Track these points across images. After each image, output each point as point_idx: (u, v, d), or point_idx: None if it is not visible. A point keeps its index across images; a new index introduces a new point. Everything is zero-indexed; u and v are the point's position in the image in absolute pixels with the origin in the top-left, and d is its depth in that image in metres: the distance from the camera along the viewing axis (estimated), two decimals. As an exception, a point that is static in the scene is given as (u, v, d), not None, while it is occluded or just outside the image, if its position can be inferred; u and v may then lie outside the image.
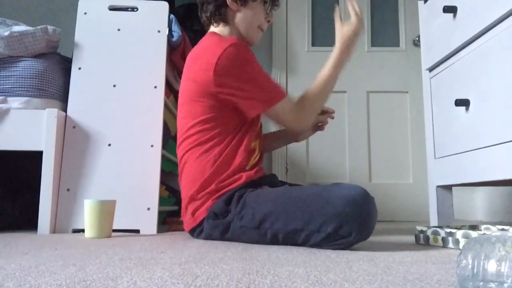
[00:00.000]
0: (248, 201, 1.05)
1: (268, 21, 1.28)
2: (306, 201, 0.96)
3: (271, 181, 1.21)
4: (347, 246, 0.93)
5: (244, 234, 1.04)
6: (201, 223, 1.12)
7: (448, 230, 0.98)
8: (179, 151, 1.21)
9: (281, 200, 1.00)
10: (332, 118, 1.43)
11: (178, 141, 1.22)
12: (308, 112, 1.19)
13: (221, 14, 1.21)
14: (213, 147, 1.14)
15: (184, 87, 1.20)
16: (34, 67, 1.39)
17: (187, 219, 1.17)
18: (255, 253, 0.83)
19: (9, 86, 1.37)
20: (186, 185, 1.17)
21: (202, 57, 1.14)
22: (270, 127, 2.38)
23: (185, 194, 1.18)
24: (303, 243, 0.97)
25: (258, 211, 1.01)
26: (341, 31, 1.19)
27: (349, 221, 0.90)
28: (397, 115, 2.41)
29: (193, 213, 1.14)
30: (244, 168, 1.15)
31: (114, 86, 1.45)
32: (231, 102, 1.13)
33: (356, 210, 0.90)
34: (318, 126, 1.43)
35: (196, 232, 1.14)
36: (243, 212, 1.04)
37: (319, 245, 0.94)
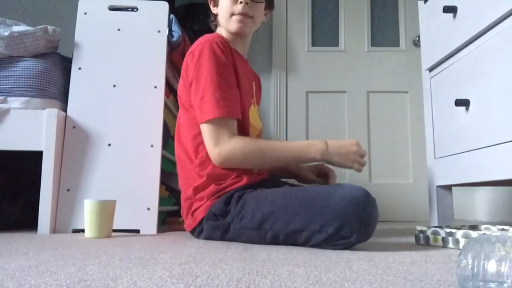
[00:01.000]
0: (248, 202, 1.05)
1: (240, 3, 1.19)
2: (307, 202, 0.96)
3: (271, 181, 1.21)
4: (348, 247, 0.92)
5: (244, 234, 1.04)
6: (200, 222, 1.12)
7: (448, 230, 0.98)
8: (177, 150, 1.21)
9: (282, 201, 1.00)
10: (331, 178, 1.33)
11: (176, 140, 1.22)
12: (231, 158, 1.09)
13: (214, 20, 1.32)
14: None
15: (180, 87, 1.22)
16: (34, 67, 1.39)
17: (187, 220, 1.17)
18: (255, 253, 0.83)
19: (9, 86, 1.37)
20: (185, 185, 1.18)
21: (185, 59, 1.21)
22: (270, 133, 2.38)
23: (183, 193, 1.18)
24: (303, 244, 0.97)
25: (258, 211, 1.01)
26: (339, 143, 1.11)
27: (350, 221, 0.90)
28: (397, 115, 2.41)
29: (192, 213, 1.14)
30: (247, 173, 1.15)
31: (114, 86, 1.45)
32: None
33: (357, 211, 0.90)
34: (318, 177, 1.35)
35: (196, 232, 1.14)
36: (243, 213, 1.04)
37: (320, 245, 0.94)
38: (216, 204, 1.09)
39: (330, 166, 1.24)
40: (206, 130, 1.10)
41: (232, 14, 1.21)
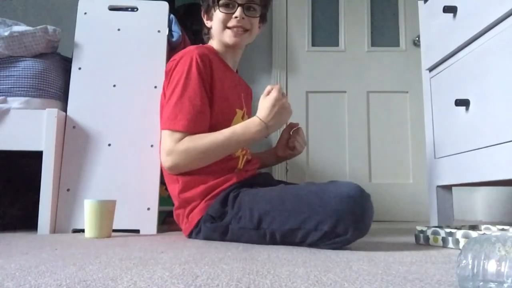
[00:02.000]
0: (244, 202, 1.05)
1: (236, 17, 1.22)
2: (302, 200, 0.96)
3: (265, 180, 1.21)
4: (345, 244, 0.93)
5: (243, 235, 1.04)
6: (197, 224, 1.12)
7: (448, 230, 0.98)
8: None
9: (277, 200, 1.00)
10: (296, 128, 1.38)
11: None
12: (180, 163, 1.12)
13: (207, 33, 1.35)
14: None
15: (162, 94, 1.30)
16: (34, 67, 1.39)
17: (184, 224, 1.17)
18: (255, 253, 0.83)
19: (9, 86, 1.37)
20: (170, 184, 1.20)
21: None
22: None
23: (172, 194, 1.20)
24: (300, 243, 0.97)
25: (256, 211, 1.02)
26: (262, 104, 1.14)
27: (345, 218, 0.90)
28: (397, 115, 2.41)
29: (187, 216, 1.15)
30: (231, 171, 1.17)
31: (114, 86, 1.45)
32: None
33: (351, 208, 0.90)
34: (290, 146, 1.37)
35: (194, 233, 1.14)
36: (240, 213, 1.04)
37: (316, 244, 0.94)
38: (212, 206, 1.10)
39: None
40: (162, 138, 1.16)
41: (226, 27, 1.24)
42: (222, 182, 1.13)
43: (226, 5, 1.23)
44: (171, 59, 1.23)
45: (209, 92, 1.18)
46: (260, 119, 1.12)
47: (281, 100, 1.13)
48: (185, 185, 1.15)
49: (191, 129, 1.12)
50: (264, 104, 1.12)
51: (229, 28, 1.24)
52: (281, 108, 1.12)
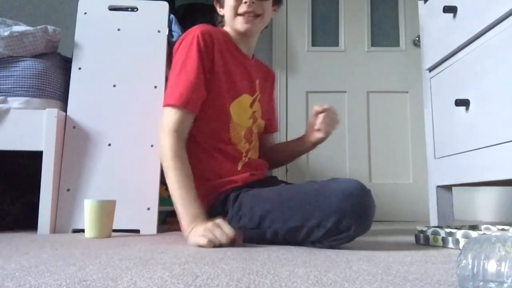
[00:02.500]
0: (244, 201, 1.05)
1: (245, 2, 1.19)
2: (304, 198, 0.96)
3: (270, 183, 1.21)
4: (348, 241, 0.93)
5: (243, 234, 1.04)
6: None
7: (448, 230, 0.98)
8: None
9: (279, 198, 1.00)
10: (322, 111, 1.26)
11: None
12: (162, 152, 1.11)
13: (221, 21, 1.33)
14: (195, 148, 1.17)
15: None
16: (34, 67, 1.39)
17: None
18: (255, 253, 0.83)
19: (9, 86, 1.37)
20: None
21: None
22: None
23: None
24: (303, 240, 0.97)
25: (256, 211, 1.01)
26: (194, 231, 0.98)
27: (348, 215, 0.90)
28: (397, 115, 2.41)
29: None
30: (237, 173, 1.16)
31: (114, 86, 1.45)
32: None
33: (353, 204, 0.90)
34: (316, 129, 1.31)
35: None
36: (240, 213, 1.04)
37: (320, 241, 0.94)
38: (213, 206, 1.10)
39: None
40: (164, 114, 1.15)
41: (237, 14, 1.22)
42: (225, 183, 1.13)
43: None
44: (179, 38, 1.22)
45: (208, 69, 1.17)
46: (187, 226, 1.00)
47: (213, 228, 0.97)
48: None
49: (183, 104, 1.12)
50: (195, 235, 0.96)
51: (240, 14, 1.21)
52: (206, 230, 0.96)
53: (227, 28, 1.29)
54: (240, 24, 1.22)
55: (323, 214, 0.92)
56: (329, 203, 0.92)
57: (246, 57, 1.30)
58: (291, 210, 0.97)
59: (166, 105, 1.14)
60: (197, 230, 0.97)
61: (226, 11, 1.25)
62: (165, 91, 1.18)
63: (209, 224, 0.97)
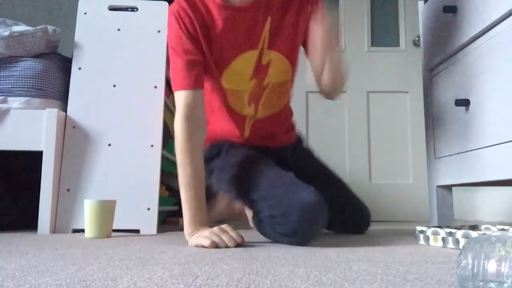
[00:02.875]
0: (228, 162, 1.17)
1: None
2: (274, 191, 1.04)
3: (298, 160, 1.36)
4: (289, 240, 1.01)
5: (218, 186, 1.20)
6: None
7: (448, 230, 0.98)
8: None
9: (258, 180, 1.08)
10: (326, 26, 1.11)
11: None
12: (176, 140, 1.06)
13: None
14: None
15: None
16: (34, 67, 1.39)
17: None
18: (255, 253, 0.83)
19: (9, 86, 1.37)
20: None
21: None
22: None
23: None
24: (255, 213, 1.07)
25: (235, 182, 1.13)
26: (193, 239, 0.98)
27: (300, 232, 0.98)
28: (397, 115, 2.41)
29: None
30: (236, 136, 1.25)
31: (114, 86, 1.45)
32: None
33: (308, 225, 0.98)
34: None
35: None
36: (225, 171, 1.17)
37: (261, 222, 1.05)
38: (206, 148, 1.19)
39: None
40: (176, 99, 1.10)
41: None
42: (224, 138, 1.25)
43: None
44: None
45: (200, 43, 1.09)
46: (189, 228, 1.00)
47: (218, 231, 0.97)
48: None
49: (184, 86, 1.06)
50: (199, 237, 0.96)
51: None
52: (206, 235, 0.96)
53: None
54: None
55: (286, 209, 0.99)
56: (289, 216, 0.98)
57: (242, 7, 1.10)
58: (261, 190, 1.06)
59: (175, 91, 1.09)
60: (201, 233, 0.95)
61: None
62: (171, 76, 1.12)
63: (215, 229, 0.96)
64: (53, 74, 1.43)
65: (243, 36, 1.13)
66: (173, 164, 1.70)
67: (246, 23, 1.12)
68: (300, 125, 2.40)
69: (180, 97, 1.05)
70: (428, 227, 1.05)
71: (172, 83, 1.09)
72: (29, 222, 1.45)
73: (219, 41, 1.11)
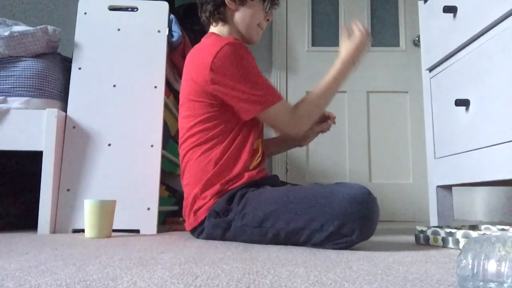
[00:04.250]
0: (250, 200, 1.05)
1: (268, 20, 1.27)
2: (308, 200, 0.96)
3: (273, 181, 1.21)
4: (349, 246, 0.92)
5: (245, 233, 1.04)
6: (202, 222, 1.12)
7: (448, 230, 0.98)
8: (181, 150, 1.21)
9: (284, 199, 1.00)
10: (334, 123, 1.45)
11: (180, 140, 1.22)
12: (304, 117, 1.18)
13: (220, 14, 1.22)
14: (215, 145, 1.14)
15: (184, 87, 1.21)
16: (34, 67, 1.39)
17: (189, 219, 1.17)
18: (255, 253, 0.83)
19: (9, 86, 1.37)
20: (189, 184, 1.17)
21: (199, 57, 1.15)
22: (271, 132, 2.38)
23: (187, 193, 1.18)
24: (304, 242, 0.97)
25: (260, 210, 1.01)
26: (345, 45, 1.21)
27: (351, 220, 0.90)
28: (397, 115, 2.41)
29: (195, 213, 1.14)
30: (247, 168, 1.15)
31: (114, 86, 1.45)
32: (226, 102, 1.13)
33: (358, 210, 0.90)
34: (320, 131, 1.43)
35: (197, 231, 1.14)
36: (244, 211, 1.04)
37: (321, 244, 0.94)
38: (218, 203, 1.09)
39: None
40: (276, 111, 1.14)
41: (258, 26, 1.25)
42: (235, 181, 1.12)
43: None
44: (207, 51, 1.12)
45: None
46: (348, 59, 1.19)
47: (364, 41, 1.22)
48: (206, 183, 1.13)
49: (281, 97, 1.16)
50: (348, 46, 1.21)
51: (260, 27, 1.26)
52: (363, 48, 1.22)
53: (228, 29, 1.23)
54: (256, 34, 1.26)
55: (327, 217, 0.92)
56: (333, 207, 0.92)
57: None
58: (294, 212, 0.97)
59: (270, 105, 1.12)
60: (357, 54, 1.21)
61: (247, 15, 1.21)
62: (250, 98, 1.11)
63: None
64: (53, 74, 1.43)
65: None
66: (173, 164, 1.70)
67: None
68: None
69: (282, 105, 1.15)
70: (428, 227, 1.05)
71: (266, 98, 1.12)
72: (29, 222, 1.45)
73: None
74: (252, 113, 1.13)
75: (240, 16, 1.22)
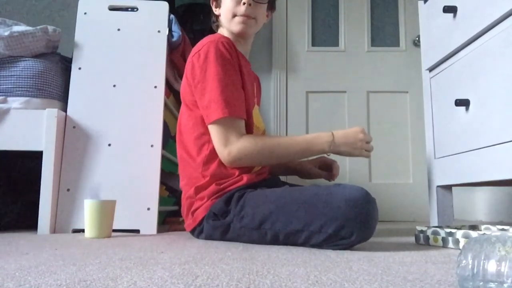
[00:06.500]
0: (248, 202, 1.05)
1: (244, 3, 1.19)
2: (307, 202, 0.96)
3: (272, 183, 1.21)
4: (348, 247, 0.92)
5: (244, 234, 1.04)
6: (200, 222, 1.12)
7: (448, 230, 0.98)
8: (179, 149, 1.21)
9: (282, 201, 1.00)
10: (333, 180, 1.39)
11: (178, 139, 1.22)
12: (242, 160, 1.10)
13: (216, 21, 1.31)
14: (211, 148, 1.14)
15: (183, 86, 1.21)
16: (34, 67, 1.39)
17: (188, 219, 1.17)
18: (255, 253, 0.83)
19: (9, 86, 1.37)
20: (186, 185, 1.17)
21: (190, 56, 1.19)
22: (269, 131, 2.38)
23: (184, 193, 1.18)
24: (303, 244, 0.96)
25: (258, 211, 1.01)
26: (348, 136, 1.14)
27: (350, 222, 0.90)
28: (397, 115, 2.41)
29: (192, 213, 1.14)
30: (247, 171, 1.15)
31: (114, 86, 1.45)
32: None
33: (357, 212, 0.90)
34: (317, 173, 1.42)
35: (196, 232, 1.14)
36: (243, 213, 1.04)
37: (319, 245, 0.94)
38: (216, 204, 1.09)
39: (334, 157, 1.28)
40: (214, 130, 1.10)
41: (234, 15, 1.21)
42: (233, 183, 1.12)
43: None
44: (194, 51, 1.16)
45: (240, 79, 1.16)
46: (334, 136, 1.12)
47: (365, 141, 1.15)
48: (206, 183, 1.13)
49: (241, 115, 1.11)
50: (349, 133, 1.14)
51: (236, 16, 1.21)
52: (359, 145, 1.14)
53: (222, 30, 1.27)
54: (235, 24, 1.21)
55: (326, 219, 0.92)
56: (332, 208, 0.92)
57: (247, 61, 1.29)
58: (293, 213, 0.97)
59: (220, 117, 1.07)
60: (345, 140, 1.12)
61: (223, 11, 1.24)
62: (207, 106, 1.09)
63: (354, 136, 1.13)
64: (53, 74, 1.43)
65: (251, 85, 1.25)
66: (173, 164, 1.70)
67: (251, 74, 1.30)
68: (300, 125, 2.40)
69: (223, 126, 1.10)
70: (428, 227, 1.05)
71: (212, 109, 1.09)
72: (29, 222, 1.45)
73: (247, 79, 1.20)
74: (207, 121, 1.10)
75: (221, 16, 1.26)
